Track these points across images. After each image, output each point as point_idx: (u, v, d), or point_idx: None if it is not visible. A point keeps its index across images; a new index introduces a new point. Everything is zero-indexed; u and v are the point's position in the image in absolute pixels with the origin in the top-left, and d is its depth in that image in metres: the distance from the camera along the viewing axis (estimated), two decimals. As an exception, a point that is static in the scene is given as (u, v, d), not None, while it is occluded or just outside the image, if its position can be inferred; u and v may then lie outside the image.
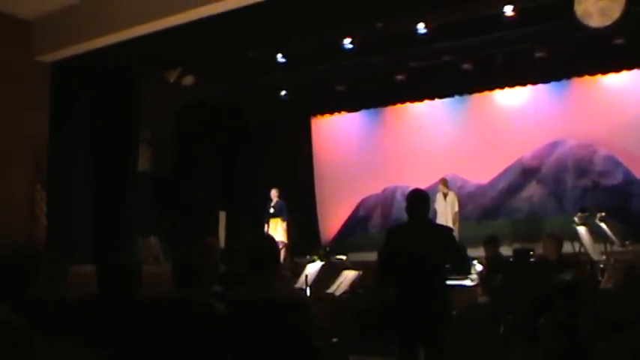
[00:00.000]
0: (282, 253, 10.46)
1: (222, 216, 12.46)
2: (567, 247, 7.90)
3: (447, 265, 4.89)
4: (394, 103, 13.04)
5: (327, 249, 12.21)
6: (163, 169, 12.15)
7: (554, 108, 11.68)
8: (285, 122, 13.71)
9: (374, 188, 13.51)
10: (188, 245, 3.26)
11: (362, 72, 11.47)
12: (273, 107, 13.20)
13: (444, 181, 11.38)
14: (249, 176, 12.95)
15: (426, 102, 12.74)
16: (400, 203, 12.64)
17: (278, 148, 13.71)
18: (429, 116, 13.04)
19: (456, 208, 11.15)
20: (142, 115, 10.43)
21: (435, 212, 10.83)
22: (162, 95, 11.41)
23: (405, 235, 4.93)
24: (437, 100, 12.61)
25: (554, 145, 11.63)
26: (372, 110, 13.55)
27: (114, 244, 9.31)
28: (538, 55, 10.21)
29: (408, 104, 12.95)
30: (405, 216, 5.00)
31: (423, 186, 11.05)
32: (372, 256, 8.05)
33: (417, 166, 12.66)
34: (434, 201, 10.82)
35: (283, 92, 12.68)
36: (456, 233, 9.17)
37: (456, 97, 12.38)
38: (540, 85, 11.58)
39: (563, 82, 11.39)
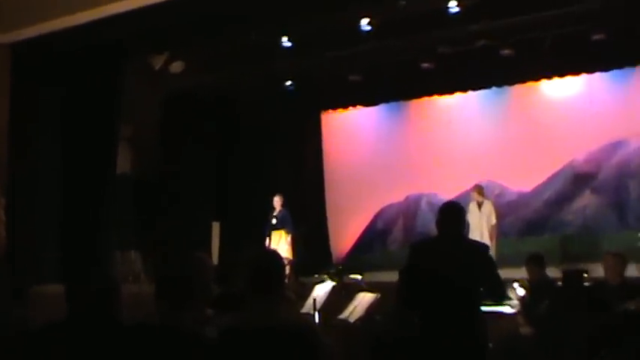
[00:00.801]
0: (287, 271, 10.44)
1: (216, 227, 12.49)
2: (632, 271, 7.83)
3: (482, 289, 4.85)
4: (419, 96, 13.11)
5: (339, 267, 12.25)
6: (146, 172, 12.18)
7: (615, 101, 11.64)
8: (291, 118, 13.81)
9: (395, 196, 13.55)
10: (174, 261, 3.23)
11: (381, 59, 11.51)
12: (276, 100, 13.25)
13: (479, 189, 11.35)
14: (247, 181, 12.98)
15: (458, 95, 12.78)
16: (426, 214, 12.65)
17: (282, 148, 13.81)
18: (461, 111, 13.08)
19: (493, 221, 11.12)
20: (122, 107, 10.43)
21: (468, 225, 10.78)
22: (146, 84, 11.43)
23: (432, 251, 4.92)
24: (470, 93, 12.65)
25: (615, 145, 11.60)
26: (392, 104, 13.62)
27: (87, 260, 9.30)
28: (596, 37, 10.13)
29: (435, 97, 12.98)
30: (432, 229, 4.98)
31: (453, 194, 11.17)
32: (392, 277, 7.94)
33: (447, 170, 12.71)
34: (467, 212, 10.77)
35: (289, 82, 12.74)
36: (492, 251, 9.12)
37: (494, 89, 12.43)
38: (597, 74, 11.52)
39: (627, 69, 11.33)
